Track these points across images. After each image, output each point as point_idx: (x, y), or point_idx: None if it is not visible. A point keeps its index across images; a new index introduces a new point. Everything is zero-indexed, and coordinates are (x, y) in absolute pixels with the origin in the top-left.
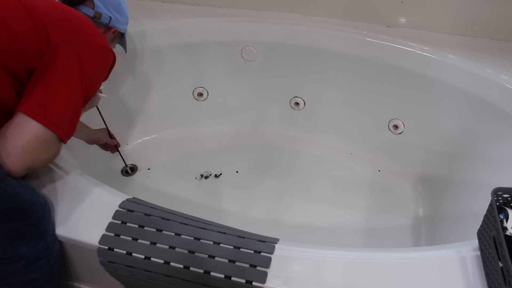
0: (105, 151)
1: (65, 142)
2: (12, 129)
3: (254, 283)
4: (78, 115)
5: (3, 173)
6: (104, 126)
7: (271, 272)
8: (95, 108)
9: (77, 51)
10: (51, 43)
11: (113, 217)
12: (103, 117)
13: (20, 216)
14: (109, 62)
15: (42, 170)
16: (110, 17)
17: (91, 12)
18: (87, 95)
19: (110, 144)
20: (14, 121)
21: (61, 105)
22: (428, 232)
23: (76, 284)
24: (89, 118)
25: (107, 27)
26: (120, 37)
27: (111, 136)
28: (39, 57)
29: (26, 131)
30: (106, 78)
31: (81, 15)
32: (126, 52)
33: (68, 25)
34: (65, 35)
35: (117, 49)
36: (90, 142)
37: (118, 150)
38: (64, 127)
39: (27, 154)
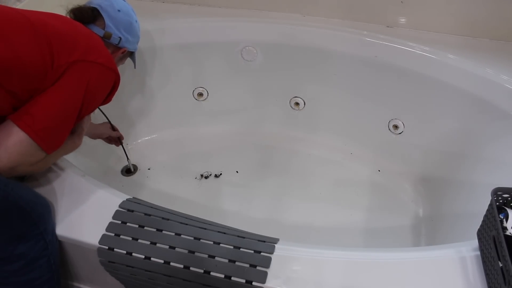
0: (110, 145)
1: (48, 153)
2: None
3: (254, 283)
4: (68, 130)
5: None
6: (106, 120)
7: (271, 272)
8: None
9: (80, 69)
10: (55, 65)
11: (113, 217)
12: (104, 111)
13: (19, 215)
14: (111, 83)
15: (42, 171)
16: (120, 38)
17: (101, 32)
18: (84, 113)
19: (114, 137)
20: (2, 127)
21: (49, 117)
22: (428, 232)
23: (76, 284)
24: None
25: (117, 47)
26: (130, 54)
27: (114, 128)
28: (42, 78)
29: (11, 135)
30: (108, 100)
31: (90, 33)
32: (135, 68)
33: (75, 44)
34: (69, 56)
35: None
36: (94, 137)
37: (121, 143)
38: (48, 139)
39: (10, 155)
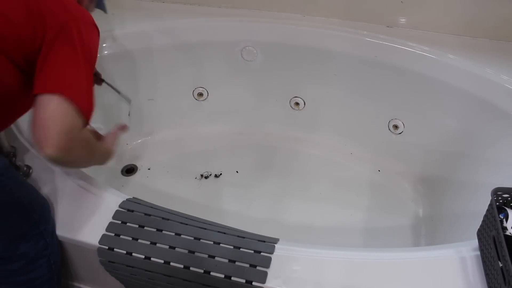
0: None
1: (87, 117)
2: (36, 112)
3: (254, 283)
4: (92, 87)
5: (4, 166)
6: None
7: (271, 272)
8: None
9: (74, 30)
10: (48, 26)
11: (113, 217)
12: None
13: (20, 212)
14: (98, 36)
15: (42, 170)
16: None
17: None
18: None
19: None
20: (35, 106)
21: (73, 79)
22: (428, 232)
23: (76, 284)
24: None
25: None
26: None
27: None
28: (34, 41)
29: (45, 107)
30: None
31: None
32: (106, 12)
33: (60, 5)
34: (58, 18)
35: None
36: None
37: (104, 81)
38: (80, 96)
39: (55, 130)
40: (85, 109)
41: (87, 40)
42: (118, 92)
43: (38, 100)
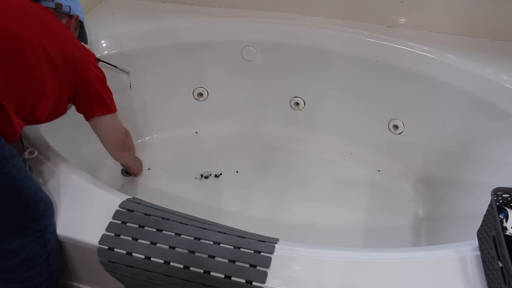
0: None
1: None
2: (104, 132)
3: (254, 283)
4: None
5: (10, 153)
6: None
7: (271, 272)
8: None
9: (93, 69)
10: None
11: (113, 217)
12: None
13: (21, 204)
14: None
15: (42, 170)
16: (70, 6)
17: (52, 4)
18: None
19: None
20: (99, 127)
21: (109, 101)
22: (428, 232)
23: (76, 284)
24: None
25: (70, 16)
26: (80, 27)
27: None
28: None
29: (103, 126)
30: None
31: (62, 29)
32: (87, 43)
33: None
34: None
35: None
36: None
37: (99, 60)
38: (111, 103)
39: (115, 136)
40: (114, 107)
41: (98, 71)
42: (115, 66)
43: (98, 122)
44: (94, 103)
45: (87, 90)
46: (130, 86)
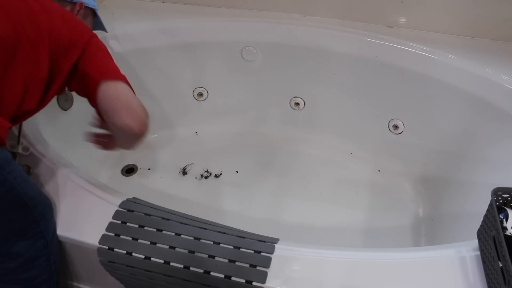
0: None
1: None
2: (115, 98)
3: (254, 283)
4: None
5: (6, 160)
6: None
7: (271, 272)
8: None
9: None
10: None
11: (113, 217)
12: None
13: (20, 209)
14: None
15: (42, 170)
16: None
17: None
18: None
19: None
20: (108, 92)
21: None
22: (428, 232)
23: (76, 284)
24: None
25: (72, 3)
26: (93, 14)
27: None
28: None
29: (124, 90)
30: None
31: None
32: (107, 31)
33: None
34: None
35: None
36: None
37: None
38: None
39: (136, 104)
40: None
41: (103, 46)
42: None
43: (107, 87)
44: (100, 66)
45: (88, 57)
46: None
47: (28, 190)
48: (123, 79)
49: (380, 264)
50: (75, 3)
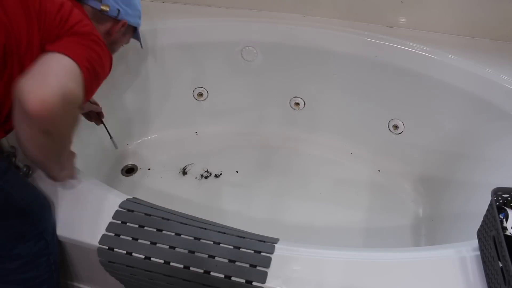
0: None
1: (87, 97)
2: (38, 64)
3: (254, 283)
4: (96, 88)
5: (1, 169)
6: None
7: (271, 272)
8: None
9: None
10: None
11: (113, 217)
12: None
13: (18, 215)
14: (110, 61)
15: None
16: (119, 10)
17: (98, 5)
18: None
19: (94, 112)
20: (38, 60)
21: (87, 56)
22: (428, 232)
23: (76, 284)
24: None
25: (116, 20)
26: (133, 31)
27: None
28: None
29: (54, 60)
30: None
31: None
32: (142, 47)
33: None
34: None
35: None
36: None
37: (102, 121)
38: (88, 71)
39: (58, 77)
40: (89, 88)
41: (102, 54)
42: (111, 136)
43: (45, 55)
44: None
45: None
46: (111, 137)
47: (25, 196)
48: (69, 54)
49: (380, 264)
50: (119, 21)
